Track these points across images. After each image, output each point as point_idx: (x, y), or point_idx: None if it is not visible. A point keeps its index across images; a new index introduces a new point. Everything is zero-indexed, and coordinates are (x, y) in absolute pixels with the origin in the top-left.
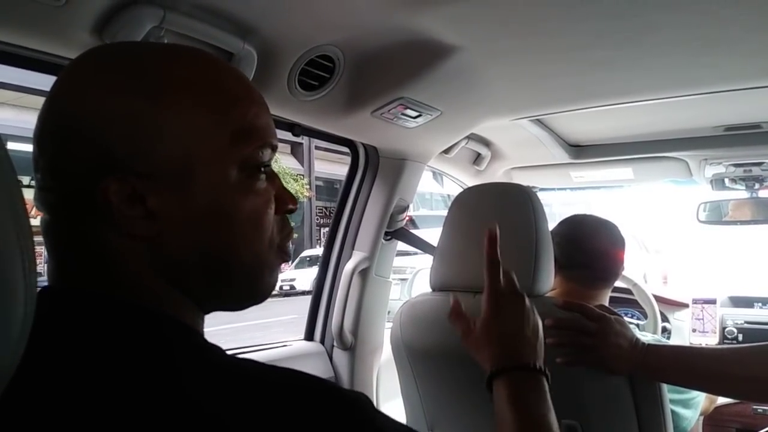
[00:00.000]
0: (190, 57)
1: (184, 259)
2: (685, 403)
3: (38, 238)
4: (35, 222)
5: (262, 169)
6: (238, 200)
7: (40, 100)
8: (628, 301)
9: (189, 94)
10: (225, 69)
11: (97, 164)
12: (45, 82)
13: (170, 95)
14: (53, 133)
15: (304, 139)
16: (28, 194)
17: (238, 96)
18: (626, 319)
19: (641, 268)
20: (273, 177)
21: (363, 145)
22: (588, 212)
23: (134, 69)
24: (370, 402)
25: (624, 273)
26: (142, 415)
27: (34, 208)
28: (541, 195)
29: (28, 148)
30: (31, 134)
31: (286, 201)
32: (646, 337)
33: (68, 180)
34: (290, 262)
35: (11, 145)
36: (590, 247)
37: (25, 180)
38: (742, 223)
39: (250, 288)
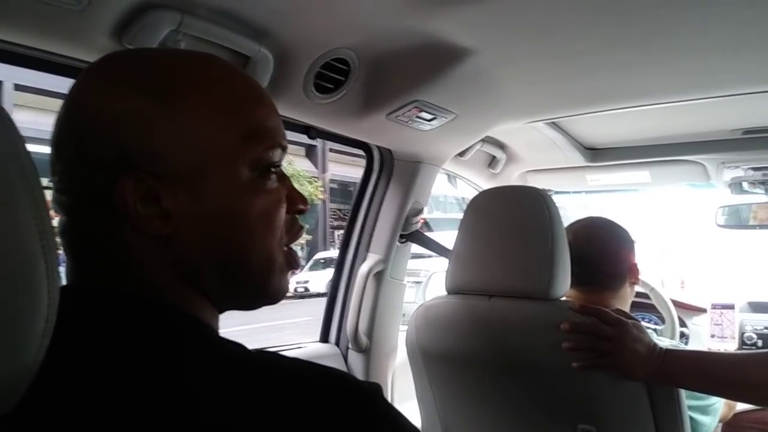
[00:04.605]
0: (199, 60)
1: (199, 257)
2: (703, 410)
3: (58, 239)
4: (56, 223)
5: (273, 169)
6: (249, 199)
7: (59, 103)
8: (645, 305)
9: (198, 95)
10: (234, 71)
11: (113, 165)
12: (64, 85)
13: (180, 96)
14: (70, 137)
15: (318, 142)
16: (49, 195)
17: (246, 98)
18: (644, 324)
19: (659, 273)
20: (283, 178)
21: (378, 147)
22: (603, 215)
23: (145, 71)
24: (381, 394)
25: (640, 276)
26: (143, 409)
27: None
28: (556, 198)
29: (47, 149)
30: (48, 136)
31: (296, 201)
32: (663, 342)
33: (85, 181)
34: (305, 264)
35: (30, 147)
36: (586, 252)
37: (45, 181)
38: (762, 227)
39: (260, 287)
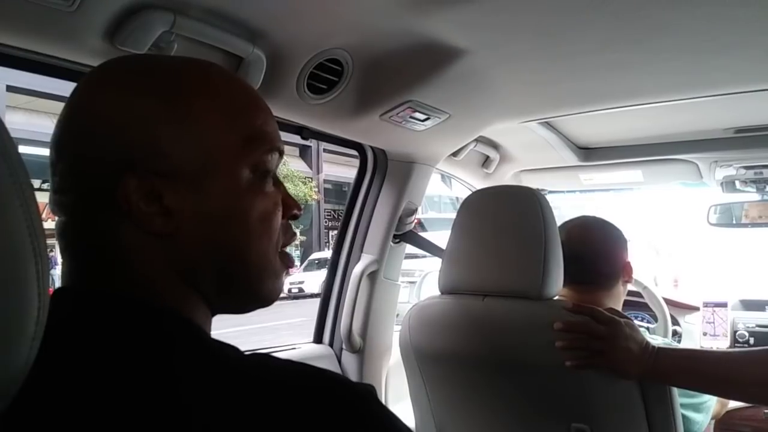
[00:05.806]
0: (200, 65)
1: (198, 256)
2: (696, 407)
3: (50, 241)
4: (47, 225)
5: (270, 173)
6: (250, 201)
7: (51, 104)
8: (638, 304)
9: (203, 98)
10: (233, 77)
11: (117, 164)
12: (55, 86)
13: (186, 98)
14: (73, 138)
15: (312, 143)
16: (40, 197)
17: (247, 103)
18: (636, 322)
19: (652, 271)
20: (279, 183)
21: (371, 148)
22: (596, 215)
23: (151, 75)
24: (374, 395)
25: (633, 275)
26: (133, 412)
27: (46, 211)
28: (550, 197)
29: (39, 151)
30: (40, 137)
31: (291, 206)
32: (656, 340)
33: (88, 180)
34: (299, 265)
35: (22, 149)
36: (580, 251)
37: (36, 183)
38: (754, 225)
39: (254, 290)
